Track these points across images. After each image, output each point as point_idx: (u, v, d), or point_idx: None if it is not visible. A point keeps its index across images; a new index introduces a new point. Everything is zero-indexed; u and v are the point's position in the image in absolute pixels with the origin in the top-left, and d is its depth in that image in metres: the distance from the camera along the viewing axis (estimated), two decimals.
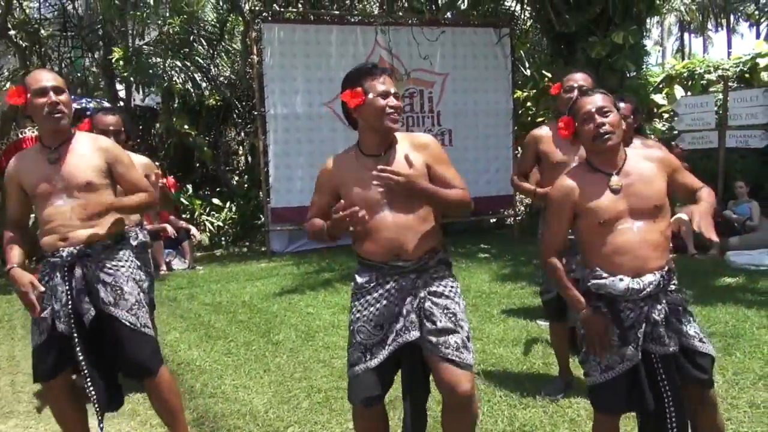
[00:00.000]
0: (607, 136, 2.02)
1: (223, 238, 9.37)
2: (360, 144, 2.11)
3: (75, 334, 2.26)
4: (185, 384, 3.51)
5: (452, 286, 2.06)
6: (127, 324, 2.31)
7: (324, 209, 2.10)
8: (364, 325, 2.02)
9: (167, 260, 7.23)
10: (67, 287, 2.28)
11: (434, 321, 1.97)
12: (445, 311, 1.99)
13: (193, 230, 7.51)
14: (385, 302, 2.01)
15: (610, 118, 2.03)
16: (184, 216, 9.01)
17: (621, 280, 1.97)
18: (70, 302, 2.27)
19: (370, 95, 1.99)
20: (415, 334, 1.97)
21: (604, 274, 2.00)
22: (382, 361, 1.98)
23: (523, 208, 10.22)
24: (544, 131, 3.12)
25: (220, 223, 9.43)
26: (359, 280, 2.07)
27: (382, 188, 1.97)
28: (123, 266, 2.39)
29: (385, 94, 1.99)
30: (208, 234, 9.39)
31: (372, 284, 2.03)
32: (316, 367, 3.71)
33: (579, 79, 3.06)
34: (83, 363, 2.26)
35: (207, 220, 9.43)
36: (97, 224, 2.35)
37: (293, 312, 5.02)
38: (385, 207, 2.01)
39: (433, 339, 1.95)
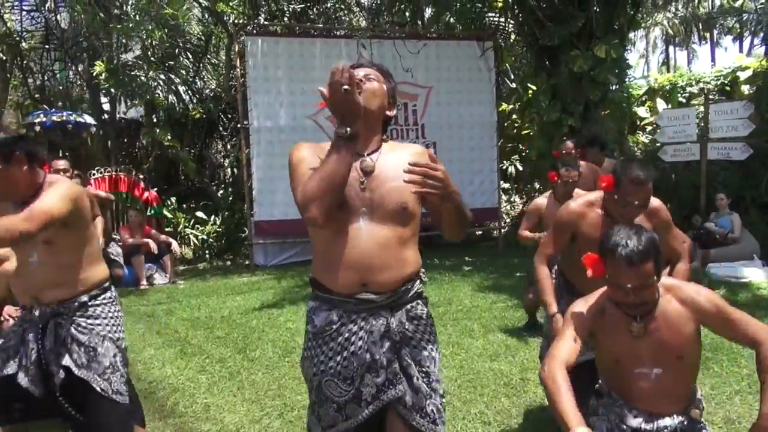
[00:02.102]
0: (639, 309, 1.83)
1: (207, 252, 9.28)
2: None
3: (38, 392, 2.11)
4: (156, 403, 3.44)
5: (430, 332, 1.71)
6: (98, 389, 2.14)
7: None
8: (331, 379, 1.63)
9: (148, 274, 7.14)
10: (39, 345, 2.14)
11: (410, 376, 1.63)
12: (420, 367, 1.65)
13: (174, 245, 7.42)
14: (353, 349, 1.62)
15: (646, 295, 1.79)
16: (167, 229, 8.93)
17: (635, 416, 1.81)
18: (42, 360, 2.12)
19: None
20: (401, 388, 1.60)
21: (618, 400, 1.86)
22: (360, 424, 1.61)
23: (508, 220, 10.24)
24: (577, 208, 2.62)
25: (205, 237, 9.35)
26: (318, 321, 1.67)
27: (361, 192, 1.60)
28: (99, 324, 2.22)
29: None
30: (192, 247, 9.29)
31: (335, 326, 1.64)
32: (291, 384, 3.65)
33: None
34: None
35: (191, 233, 9.34)
36: (69, 281, 2.18)
37: (272, 327, 4.96)
38: (361, 217, 1.60)
39: (408, 401, 1.61)
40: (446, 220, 1.65)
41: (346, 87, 1.48)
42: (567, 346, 1.79)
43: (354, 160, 1.58)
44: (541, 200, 4.01)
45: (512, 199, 11.09)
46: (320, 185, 1.50)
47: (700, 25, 24.42)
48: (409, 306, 1.68)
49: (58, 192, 2.10)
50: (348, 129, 1.52)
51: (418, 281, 1.71)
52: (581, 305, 1.91)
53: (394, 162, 1.64)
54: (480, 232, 9.79)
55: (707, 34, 25.71)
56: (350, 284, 1.61)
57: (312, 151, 1.66)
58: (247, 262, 8.27)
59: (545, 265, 2.53)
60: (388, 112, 1.73)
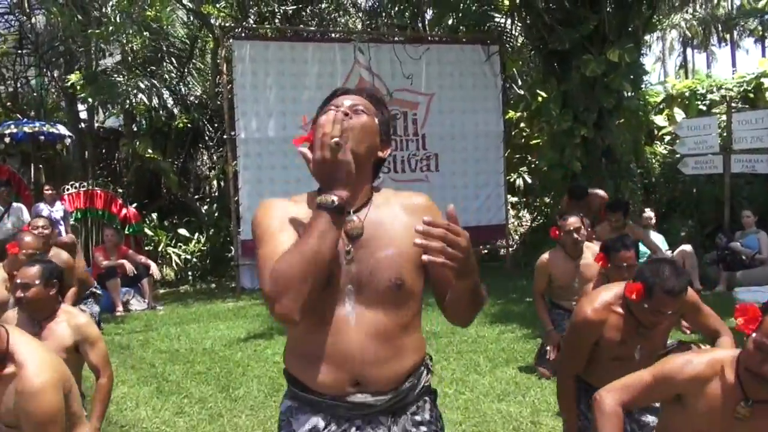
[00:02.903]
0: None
1: (189, 273, 9.15)
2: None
3: None
4: None
5: None
6: None
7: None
8: None
9: (124, 300, 7.01)
10: None
11: None
12: None
13: (153, 267, 7.30)
14: None
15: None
16: (147, 248, 8.82)
17: None
18: None
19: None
20: None
21: None
22: None
23: (517, 238, 10.14)
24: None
25: (188, 256, 9.23)
26: (297, 427, 1.39)
27: (346, 265, 1.34)
28: None
29: (335, 106, 1.42)
30: (174, 268, 9.17)
31: None
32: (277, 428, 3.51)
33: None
34: None
35: (173, 252, 9.22)
36: None
37: (258, 361, 4.83)
38: (347, 298, 1.34)
39: None
40: (456, 301, 1.37)
41: (337, 140, 1.27)
42: (637, 388, 1.91)
43: (344, 220, 1.34)
44: (548, 256, 4.03)
45: (521, 215, 10.99)
46: (297, 270, 1.23)
47: (719, 26, 24.49)
48: (414, 407, 1.42)
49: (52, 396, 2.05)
50: (335, 198, 1.27)
51: (425, 372, 1.45)
52: (685, 361, 1.87)
53: (387, 220, 1.39)
54: (486, 251, 9.68)
55: (727, 36, 25.79)
56: (338, 384, 1.34)
57: (283, 213, 1.38)
58: (233, 285, 8.14)
59: (572, 380, 2.46)
60: (380, 153, 1.46)
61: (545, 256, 4.06)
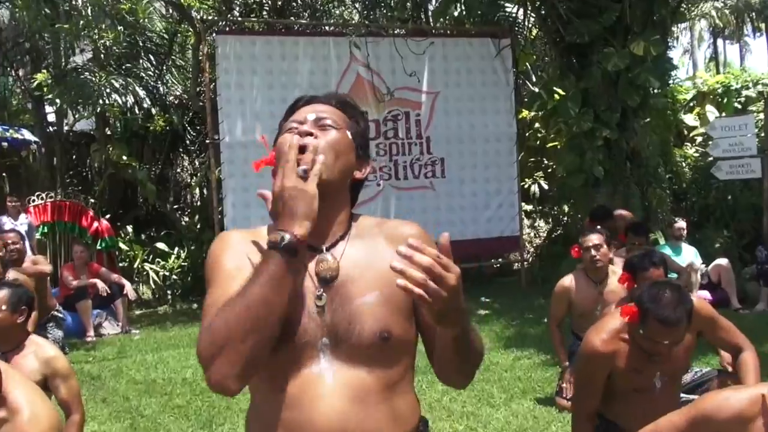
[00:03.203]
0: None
1: (169, 292, 9.11)
2: None
3: None
4: None
5: None
6: None
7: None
8: None
9: (96, 323, 6.98)
10: None
11: None
12: None
13: (128, 287, 7.27)
14: None
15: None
16: (122, 265, 8.79)
17: None
18: None
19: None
20: None
21: None
22: None
23: (532, 251, 10.08)
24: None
25: (167, 273, 9.19)
26: None
27: (318, 315, 1.22)
28: None
29: (298, 122, 1.30)
30: (152, 287, 9.13)
31: None
32: None
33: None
34: None
35: (150, 269, 9.17)
36: None
37: (245, 393, 4.70)
38: (321, 355, 1.21)
39: None
40: (441, 355, 1.24)
41: (304, 168, 1.17)
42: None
43: (303, 263, 1.21)
44: (569, 281, 4.03)
45: (536, 224, 10.94)
46: (235, 327, 1.09)
47: (753, 15, 24.57)
48: None
49: None
50: (286, 236, 1.13)
51: None
52: (723, 399, 1.86)
53: (368, 257, 1.26)
54: (498, 266, 9.62)
55: (762, 26, 25.86)
56: None
57: (242, 248, 1.26)
58: None
59: (590, 421, 2.45)
60: (357, 174, 1.34)
61: (565, 280, 4.04)
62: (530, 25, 9.75)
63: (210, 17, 8.92)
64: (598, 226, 4.42)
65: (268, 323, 1.12)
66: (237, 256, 1.25)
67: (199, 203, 11.51)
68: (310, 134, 1.25)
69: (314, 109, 1.32)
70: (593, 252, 3.82)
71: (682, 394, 2.81)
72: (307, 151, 1.21)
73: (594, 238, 3.86)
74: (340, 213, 1.30)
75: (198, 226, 10.01)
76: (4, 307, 2.60)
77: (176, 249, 9.42)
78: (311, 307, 1.22)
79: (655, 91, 8.12)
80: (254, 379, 1.19)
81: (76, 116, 10.43)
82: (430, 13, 10.67)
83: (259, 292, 1.11)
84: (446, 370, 1.28)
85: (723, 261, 6.75)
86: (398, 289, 1.08)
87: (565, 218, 10.21)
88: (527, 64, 10.41)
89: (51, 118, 10.91)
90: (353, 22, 10.05)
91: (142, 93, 9.81)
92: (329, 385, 1.19)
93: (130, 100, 9.55)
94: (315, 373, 1.20)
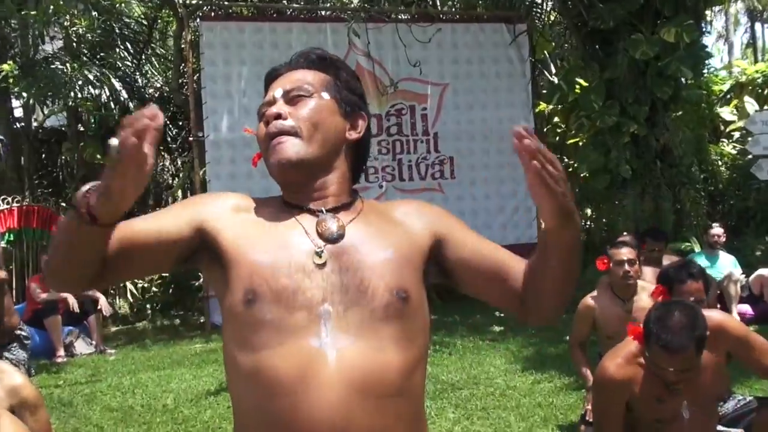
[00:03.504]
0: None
1: (148, 306, 9.12)
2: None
3: None
4: None
5: None
6: None
7: (159, 237, 1.22)
8: None
9: (67, 341, 6.93)
10: None
11: None
12: None
13: (102, 301, 7.23)
14: None
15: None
16: None
17: None
18: None
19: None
20: None
21: None
22: None
23: None
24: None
25: (146, 285, 9.21)
26: None
27: (317, 272, 1.17)
28: None
29: (267, 104, 1.31)
30: (129, 300, 9.14)
31: None
32: None
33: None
34: None
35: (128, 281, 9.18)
36: None
37: (233, 422, 4.71)
38: (322, 323, 1.13)
39: None
40: (552, 273, 1.22)
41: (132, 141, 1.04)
42: None
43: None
44: (592, 298, 3.99)
45: None
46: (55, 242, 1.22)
47: None
48: None
49: None
50: (91, 199, 1.08)
51: None
52: None
53: (377, 223, 1.27)
54: None
55: None
56: None
57: (219, 206, 1.28)
58: (201, 321, 8.08)
59: None
60: (349, 135, 1.32)
61: (588, 297, 3.99)
62: (549, 9, 9.73)
63: (193, 1, 8.89)
64: (630, 238, 4.38)
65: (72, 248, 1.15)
66: (197, 205, 1.29)
67: None
68: (279, 116, 1.26)
69: (282, 82, 1.31)
70: (627, 267, 3.77)
71: (720, 427, 2.76)
72: (277, 139, 1.24)
73: (626, 252, 3.80)
74: (336, 178, 1.29)
75: None
76: None
77: None
78: (308, 265, 1.17)
79: (688, 81, 8.15)
80: (232, 355, 1.16)
81: (46, 111, 10.42)
82: None
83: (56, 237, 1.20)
84: (553, 294, 1.25)
85: (765, 271, 6.68)
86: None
87: (588, 223, 10.17)
88: (546, 52, 10.41)
89: (18, 113, 10.93)
90: (352, 6, 10.00)
91: (118, 85, 9.83)
92: (331, 366, 1.09)
93: (106, 93, 9.57)
94: (313, 350, 1.10)
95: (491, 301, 1.37)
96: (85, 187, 1.11)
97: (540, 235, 1.22)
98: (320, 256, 1.17)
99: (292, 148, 1.24)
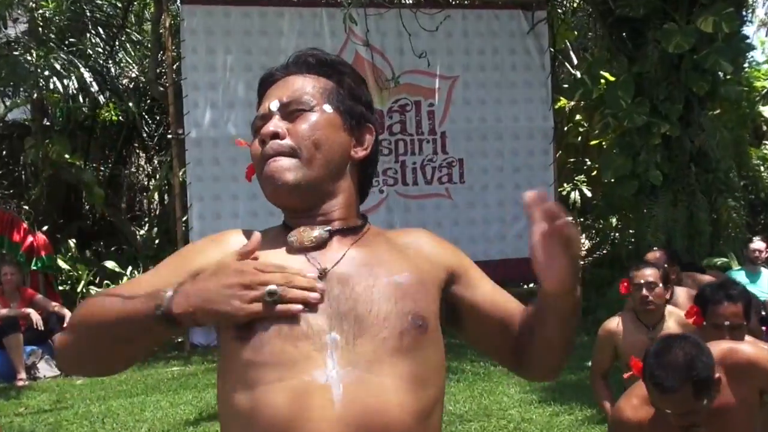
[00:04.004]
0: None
1: None
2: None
3: None
4: None
5: None
6: None
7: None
8: None
9: (29, 363, 6.95)
10: None
11: None
12: None
13: (69, 317, 7.24)
14: None
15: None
16: (62, 289, 8.79)
17: None
18: None
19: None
20: None
21: None
22: None
23: None
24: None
25: None
26: None
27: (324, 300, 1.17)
28: None
29: (262, 118, 1.30)
30: None
31: None
32: None
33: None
34: None
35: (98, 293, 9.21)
36: None
37: None
38: (328, 353, 1.13)
39: None
40: (550, 335, 1.25)
41: (272, 290, 1.12)
42: None
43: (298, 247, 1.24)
44: (615, 324, 4.00)
45: None
46: (93, 319, 1.21)
47: None
48: None
49: None
50: (167, 303, 1.13)
51: None
52: None
53: (386, 245, 1.29)
54: (529, 293, 9.58)
55: None
56: None
57: (216, 253, 1.25)
58: (179, 340, 8.08)
59: None
60: (354, 153, 1.32)
61: (611, 322, 4.03)
62: None
63: None
64: (661, 254, 4.40)
65: (114, 337, 1.19)
66: (197, 254, 1.28)
67: (158, 212, 11.54)
68: (277, 135, 1.25)
69: (278, 92, 1.30)
70: (644, 291, 3.77)
71: None
72: (273, 160, 1.25)
73: (648, 274, 3.80)
74: (340, 201, 1.30)
75: (156, 241, 10.04)
76: None
77: (129, 269, 9.48)
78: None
79: (727, 76, 8.18)
80: (226, 392, 1.17)
81: (8, 103, 10.45)
82: None
83: (125, 315, 1.17)
84: (552, 354, 1.29)
85: None
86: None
87: (613, 234, 10.18)
88: (567, 42, 10.43)
89: None
90: None
91: (88, 75, 9.86)
92: (336, 404, 1.09)
93: (74, 83, 9.59)
94: (316, 385, 1.09)
95: (489, 351, 1.42)
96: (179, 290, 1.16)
97: (539, 296, 1.23)
98: (323, 280, 1.18)
99: (289, 170, 1.24)
